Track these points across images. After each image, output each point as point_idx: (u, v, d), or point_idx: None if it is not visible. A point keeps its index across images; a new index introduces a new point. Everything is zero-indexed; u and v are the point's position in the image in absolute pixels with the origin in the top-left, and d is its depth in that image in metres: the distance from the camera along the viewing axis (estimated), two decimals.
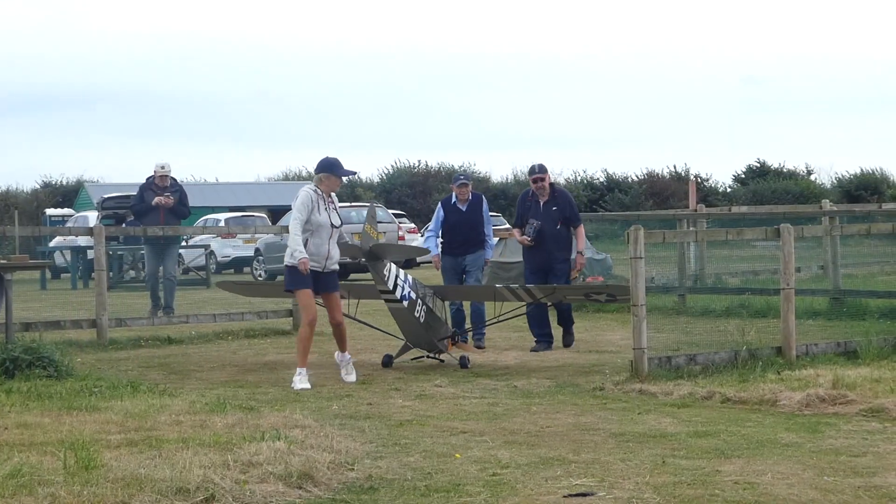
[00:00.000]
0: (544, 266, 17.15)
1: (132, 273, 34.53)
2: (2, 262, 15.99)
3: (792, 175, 71.87)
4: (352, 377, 14.31)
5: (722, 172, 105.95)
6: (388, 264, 14.95)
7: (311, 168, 67.08)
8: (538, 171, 17.40)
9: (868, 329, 16.69)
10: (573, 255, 17.39)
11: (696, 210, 28.62)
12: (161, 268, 22.06)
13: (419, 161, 76.04)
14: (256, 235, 37.75)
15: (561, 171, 73.07)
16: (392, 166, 76.88)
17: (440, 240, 18.06)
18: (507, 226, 35.18)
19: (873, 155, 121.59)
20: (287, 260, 14.06)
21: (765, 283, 23.14)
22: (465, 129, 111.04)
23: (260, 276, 37.65)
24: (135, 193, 23.21)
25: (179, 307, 22.11)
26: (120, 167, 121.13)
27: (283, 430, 10.30)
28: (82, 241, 33.88)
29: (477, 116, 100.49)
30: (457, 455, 9.72)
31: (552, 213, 17.18)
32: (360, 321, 16.45)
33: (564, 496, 8.37)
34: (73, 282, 35.80)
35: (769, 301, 19.79)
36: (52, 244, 40.35)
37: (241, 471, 8.77)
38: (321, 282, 14.14)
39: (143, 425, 10.84)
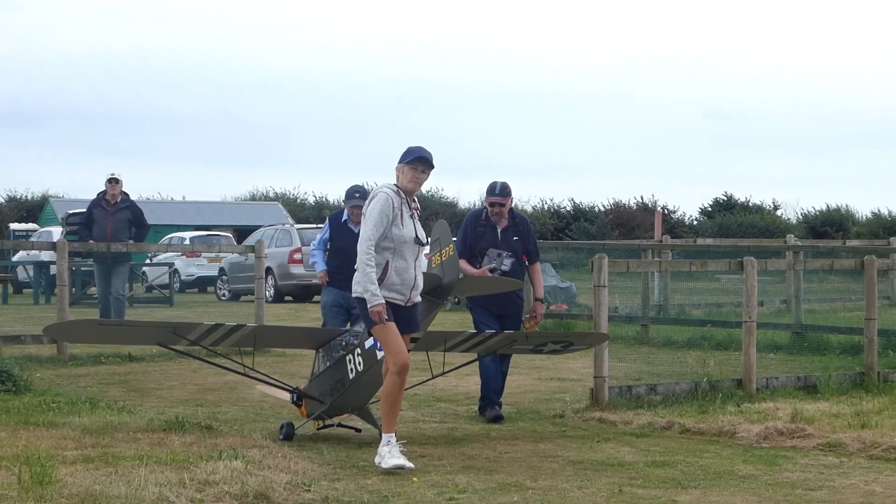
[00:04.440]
0: (499, 308, 13.45)
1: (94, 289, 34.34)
2: None
3: (758, 209, 72.15)
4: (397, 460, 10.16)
5: (689, 205, 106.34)
6: None
7: (278, 189, 65.47)
8: (499, 193, 13.47)
9: (828, 364, 16.77)
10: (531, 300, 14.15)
11: (661, 241, 28.73)
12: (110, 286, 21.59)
13: None
14: (221, 255, 37.65)
15: (528, 198, 73.00)
16: None
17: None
18: None
19: (839, 192, 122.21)
20: (360, 292, 10.37)
21: (727, 315, 23.20)
22: (432, 153, 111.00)
23: (224, 295, 37.54)
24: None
25: None
26: (85, 184, 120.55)
27: (240, 450, 10.28)
28: (45, 256, 33.71)
29: (445, 142, 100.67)
30: (414, 479, 9.72)
31: (512, 243, 13.48)
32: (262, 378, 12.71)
33: None
34: (36, 297, 35.57)
35: (731, 333, 19.85)
36: (14, 258, 40.12)
37: (197, 489, 8.75)
38: (399, 319, 10.42)
39: (100, 442, 10.80)
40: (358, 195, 14.11)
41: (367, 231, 10.31)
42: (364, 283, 10.22)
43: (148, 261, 37.81)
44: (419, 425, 12.72)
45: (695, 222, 72.26)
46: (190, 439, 10.98)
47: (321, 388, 11.84)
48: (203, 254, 39.68)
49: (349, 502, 8.93)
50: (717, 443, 11.79)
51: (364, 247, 10.26)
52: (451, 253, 11.14)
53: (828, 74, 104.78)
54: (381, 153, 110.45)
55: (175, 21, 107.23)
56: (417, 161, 10.45)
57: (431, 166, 10.52)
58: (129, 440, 10.91)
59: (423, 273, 11.04)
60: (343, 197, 14.48)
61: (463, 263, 12.99)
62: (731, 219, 67.57)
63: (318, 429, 12.01)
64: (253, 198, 75.58)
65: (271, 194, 75.35)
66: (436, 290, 11.22)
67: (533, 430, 12.53)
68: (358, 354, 11.49)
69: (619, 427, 12.63)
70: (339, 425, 12.01)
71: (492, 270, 13.30)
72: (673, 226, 66.29)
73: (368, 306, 10.21)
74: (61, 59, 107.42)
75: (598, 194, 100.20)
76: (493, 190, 13.52)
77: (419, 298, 10.62)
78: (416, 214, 10.57)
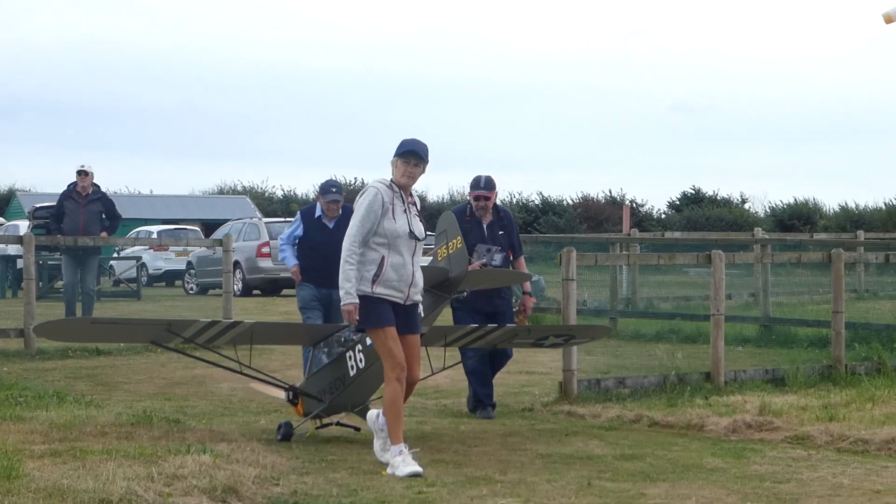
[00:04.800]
0: (489, 306, 13.04)
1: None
2: None
3: (726, 203, 72.39)
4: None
5: (657, 198, 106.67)
6: None
7: (246, 183, 65.33)
8: (484, 187, 13.11)
9: (796, 357, 16.82)
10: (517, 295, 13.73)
11: (629, 234, 28.79)
12: (80, 280, 21.29)
13: (355, 178, 75.86)
14: (189, 248, 37.56)
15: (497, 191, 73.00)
16: None
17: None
18: None
19: (807, 185, 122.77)
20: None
21: (695, 308, 23.27)
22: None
23: (191, 289, 37.44)
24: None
25: None
26: (53, 177, 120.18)
27: (209, 444, 10.25)
28: (12, 249, 33.54)
29: (413, 135, 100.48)
30: (383, 472, 9.70)
31: (499, 237, 13.11)
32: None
33: None
34: (2, 291, 35.40)
35: (699, 327, 19.90)
36: None
37: (165, 483, 8.71)
38: (399, 319, 10.08)
39: (67, 436, 10.75)
40: (335, 190, 13.86)
41: (352, 228, 9.98)
42: (341, 280, 9.93)
43: (116, 254, 37.65)
44: None
45: (663, 216, 72.45)
46: (158, 433, 10.95)
47: (319, 385, 11.49)
48: (171, 248, 39.56)
49: (318, 496, 8.91)
50: (686, 436, 11.81)
51: (346, 244, 9.95)
52: (458, 245, 10.75)
53: (795, 67, 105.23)
54: (349, 147, 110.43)
55: (142, 13, 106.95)
56: (409, 154, 10.08)
57: (424, 160, 10.13)
58: (96, 434, 10.86)
59: (430, 266, 10.83)
60: (316, 191, 14.15)
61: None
62: (699, 212, 67.79)
63: (316, 428, 11.64)
64: (221, 191, 75.44)
65: (239, 188, 75.23)
66: (443, 284, 10.90)
67: (502, 423, 12.53)
68: (359, 351, 11.06)
69: (587, 420, 12.64)
70: (339, 424, 11.58)
71: (483, 266, 12.78)
72: (641, 219, 66.48)
73: (341, 304, 9.94)
74: (27, 52, 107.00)
75: (566, 188, 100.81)
76: (477, 184, 13.13)
77: (419, 298, 10.22)
78: (411, 209, 10.11)
